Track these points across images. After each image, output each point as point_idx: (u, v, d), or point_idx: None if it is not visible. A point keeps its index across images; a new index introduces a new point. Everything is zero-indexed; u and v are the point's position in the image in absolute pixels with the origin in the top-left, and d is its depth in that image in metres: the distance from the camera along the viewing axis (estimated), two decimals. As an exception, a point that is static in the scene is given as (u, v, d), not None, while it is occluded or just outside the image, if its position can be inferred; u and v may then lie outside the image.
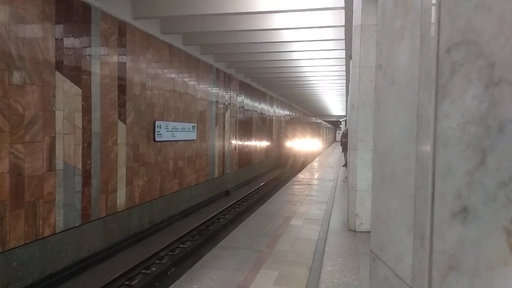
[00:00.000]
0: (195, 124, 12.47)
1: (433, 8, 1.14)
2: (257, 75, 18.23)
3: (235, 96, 17.19)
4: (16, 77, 5.80)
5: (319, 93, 25.66)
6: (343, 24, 8.72)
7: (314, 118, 30.05)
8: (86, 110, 7.33)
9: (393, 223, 1.52)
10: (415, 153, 1.27)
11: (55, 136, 6.55)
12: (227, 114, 16.06)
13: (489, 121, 1.00)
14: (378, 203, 1.72)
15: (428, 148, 1.14)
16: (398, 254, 1.44)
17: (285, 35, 10.95)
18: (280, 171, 24.02)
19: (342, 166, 16.66)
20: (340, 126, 31.11)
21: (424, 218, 1.17)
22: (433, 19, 1.12)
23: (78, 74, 7.10)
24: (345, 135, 15.37)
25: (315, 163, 20.66)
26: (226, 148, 15.92)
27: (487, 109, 1.00)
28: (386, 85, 1.61)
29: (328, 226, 6.58)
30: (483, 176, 1.01)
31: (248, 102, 19.39)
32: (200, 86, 12.99)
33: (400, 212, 1.44)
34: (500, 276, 1.00)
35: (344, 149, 16.41)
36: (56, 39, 6.56)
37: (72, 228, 7.02)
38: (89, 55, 7.40)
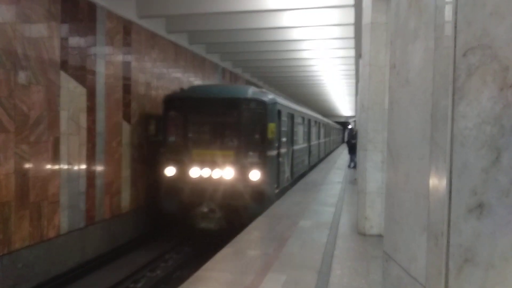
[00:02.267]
0: (201, 124, 12.36)
1: (448, 12, 1.18)
2: (264, 74, 18.14)
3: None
4: (22, 76, 5.75)
5: (328, 93, 25.50)
6: (353, 22, 8.58)
7: (266, 95, 8.67)
8: (91, 110, 7.28)
9: (407, 223, 1.57)
10: (429, 152, 1.32)
11: (59, 137, 6.50)
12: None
13: (504, 121, 1.06)
14: (392, 203, 1.75)
15: (444, 147, 1.18)
16: (411, 255, 1.50)
17: (294, 34, 10.83)
18: None
19: (350, 168, 16.43)
20: (349, 127, 28.44)
21: (439, 216, 1.21)
22: (449, 23, 1.16)
23: (83, 74, 7.04)
24: (352, 136, 15.19)
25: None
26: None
27: (501, 110, 1.07)
28: (400, 85, 1.66)
29: (337, 229, 6.45)
30: (498, 173, 1.07)
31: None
32: (207, 85, 12.91)
33: (414, 212, 1.49)
34: None
35: (351, 150, 16.24)
36: (62, 39, 6.51)
37: (77, 229, 6.96)
38: (94, 54, 7.35)
